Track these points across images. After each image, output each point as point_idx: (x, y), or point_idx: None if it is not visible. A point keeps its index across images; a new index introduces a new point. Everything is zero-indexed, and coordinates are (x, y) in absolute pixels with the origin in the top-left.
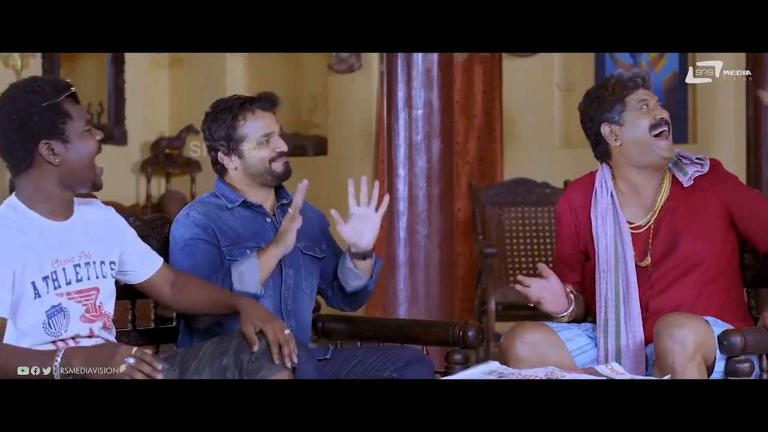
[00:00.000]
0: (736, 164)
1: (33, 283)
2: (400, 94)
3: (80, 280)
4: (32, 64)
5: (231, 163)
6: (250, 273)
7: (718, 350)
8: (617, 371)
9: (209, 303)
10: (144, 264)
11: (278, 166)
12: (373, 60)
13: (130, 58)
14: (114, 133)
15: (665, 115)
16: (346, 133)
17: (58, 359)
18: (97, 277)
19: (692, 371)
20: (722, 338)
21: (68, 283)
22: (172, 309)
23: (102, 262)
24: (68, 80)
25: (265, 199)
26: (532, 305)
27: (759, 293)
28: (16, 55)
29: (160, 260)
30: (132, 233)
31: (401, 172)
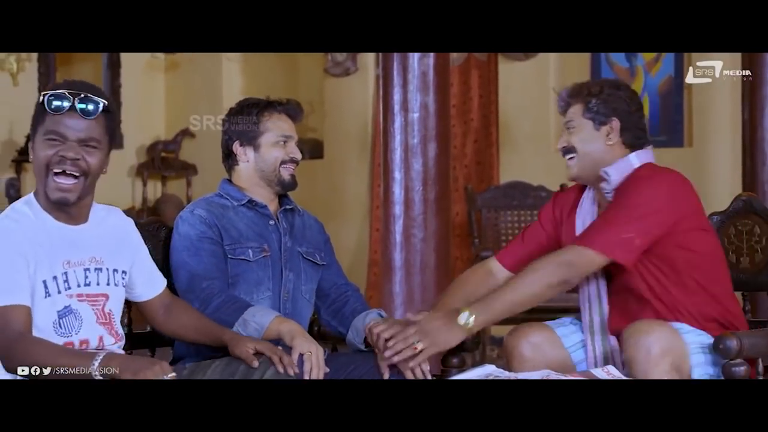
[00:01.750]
0: (732, 168)
1: (44, 282)
2: (396, 97)
3: (88, 284)
4: (28, 68)
5: (245, 155)
6: (258, 324)
7: (706, 355)
8: (613, 375)
9: (195, 330)
10: (148, 285)
11: (286, 173)
12: (369, 63)
13: (126, 62)
14: None
15: (560, 146)
16: (343, 136)
17: (97, 362)
18: (108, 284)
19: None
20: (718, 342)
21: (78, 286)
22: (161, 332)
23: (114, 270)
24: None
25: (270, 201)
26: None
27: (755, 297)
28: (11, 59)
29: (164, 284)
30: (145, 251)
31: (397, 175)
